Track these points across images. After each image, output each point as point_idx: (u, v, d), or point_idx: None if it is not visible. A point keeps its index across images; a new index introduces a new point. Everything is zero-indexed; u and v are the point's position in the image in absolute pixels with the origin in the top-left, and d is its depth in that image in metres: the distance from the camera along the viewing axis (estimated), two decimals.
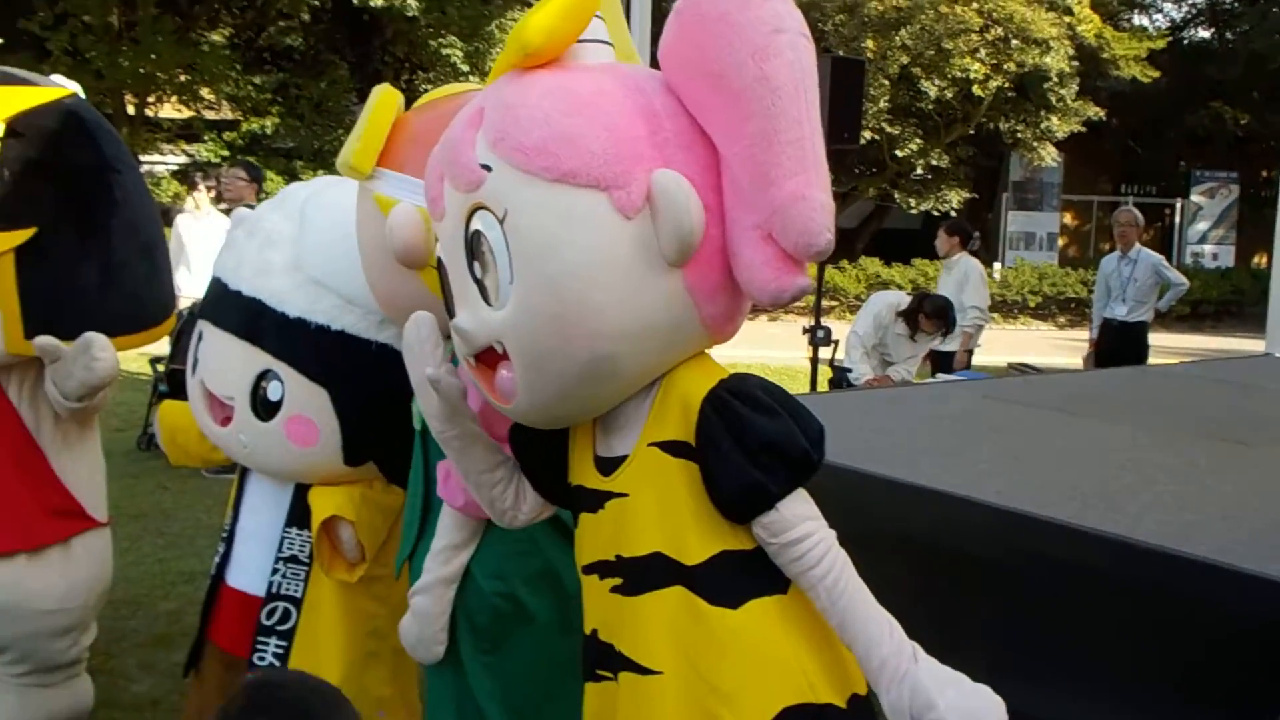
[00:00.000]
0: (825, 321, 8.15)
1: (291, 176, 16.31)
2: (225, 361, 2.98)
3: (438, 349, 2.10)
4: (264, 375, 2.92)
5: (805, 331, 8.14)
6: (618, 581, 1.99)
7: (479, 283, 1.91)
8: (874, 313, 7.89)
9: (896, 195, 22.91)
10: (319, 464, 2.97)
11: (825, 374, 8.42)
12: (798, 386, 8.92)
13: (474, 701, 2.53)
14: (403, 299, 2.59)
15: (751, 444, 1.85)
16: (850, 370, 7.74)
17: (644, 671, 1.94)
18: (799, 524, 1.87)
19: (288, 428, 2.91)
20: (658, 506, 1.93)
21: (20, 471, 3.36)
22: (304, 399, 2.89)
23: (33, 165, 3.19)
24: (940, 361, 8.48)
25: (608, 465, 2.02)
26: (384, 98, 2.52)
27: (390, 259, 2.45)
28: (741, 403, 1.88)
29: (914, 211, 23.04)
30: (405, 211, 2.40)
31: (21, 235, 3.16)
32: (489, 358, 1.95)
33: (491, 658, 2.51)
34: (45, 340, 3.16)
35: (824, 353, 8.29)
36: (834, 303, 19.00)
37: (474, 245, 1.89)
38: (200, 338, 3.08)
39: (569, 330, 1.83)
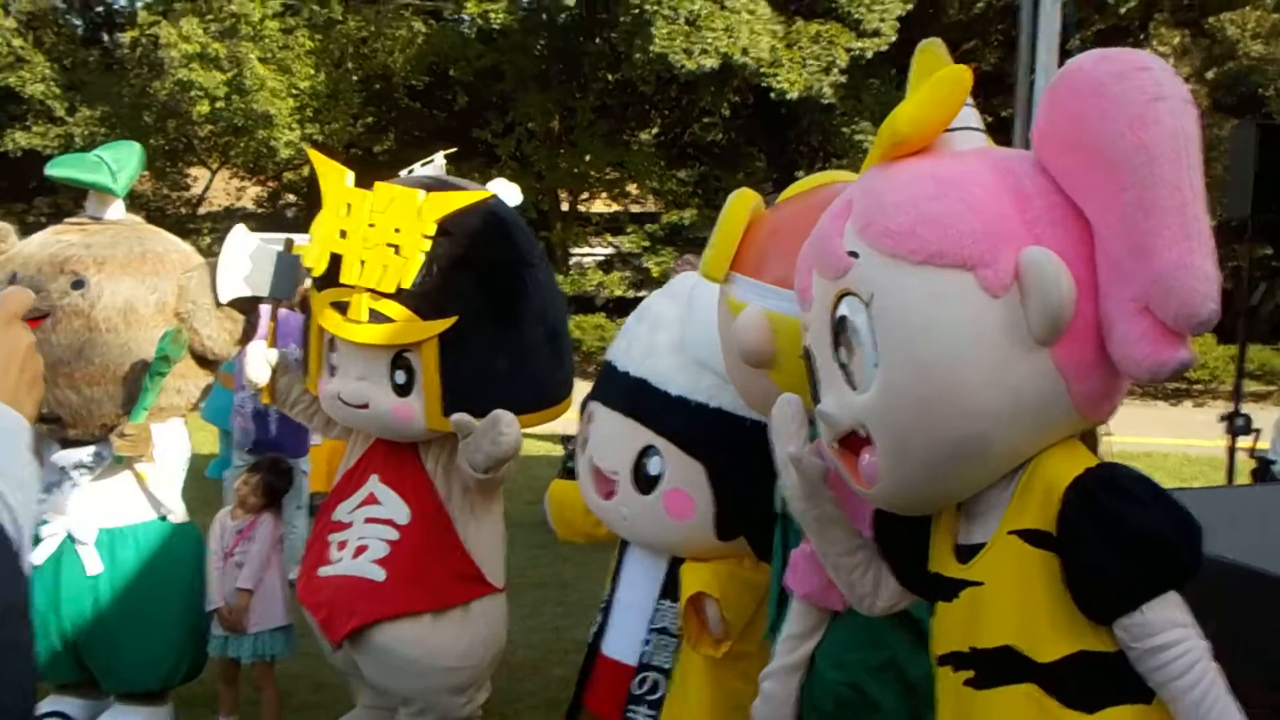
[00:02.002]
0: (1262, 408, 7.39)
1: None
2: (611, 438, 3.15)
3: (802, 429, 2.14)
4: (646, 451, 3.06)
5: (1222, 419, 7.43)
6: (970, 674, 1.92)
7: (844, 367, 1.93)
8: None
9: None
10: (693, 537, 3.06)
11: (1247, 465, 7.64)
12: (1219, 478, 8.12)
13: None
14: (752, 395, 2.71)
15: (1117, 538, 1.75)
16: (1275, 462, 6.98)
17: None
18: (1166, 630, 1.74)
19: (666, 500, 3.03)
20: (1013, 598, 1.86)
21: (433, 538, 3.65)
22: (682, 473, 3.01)
23: (458, 260, 3.51)
24: None
25: (966, 553, 1.96)
26: (735, 204, 2.64)
27: (738, 357, 2.54)
28: (1109, 493, 1.78)
29: None
30: (750, 316, 2.51)
31: (446, 323, 3.46)
32: (853, 442, 1.96)
33: None
34: (460, 416, 3.43)
35: (1249, 442, 7.53)
36: (1271, 388, 17.21)
37: (839, 330, 1.93)
38: (590, 417, 3.26)
39: (935, 411, 1.82)
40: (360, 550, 3.63)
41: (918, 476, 1.90)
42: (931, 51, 2.04)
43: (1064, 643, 1.80)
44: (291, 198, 24.47)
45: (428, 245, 3.44)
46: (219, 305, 3.96)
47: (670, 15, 16.78)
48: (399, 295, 3.44)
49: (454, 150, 4.50)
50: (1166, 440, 12.01)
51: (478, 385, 3.52)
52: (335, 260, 3.51)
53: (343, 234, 3.51)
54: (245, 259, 3.94)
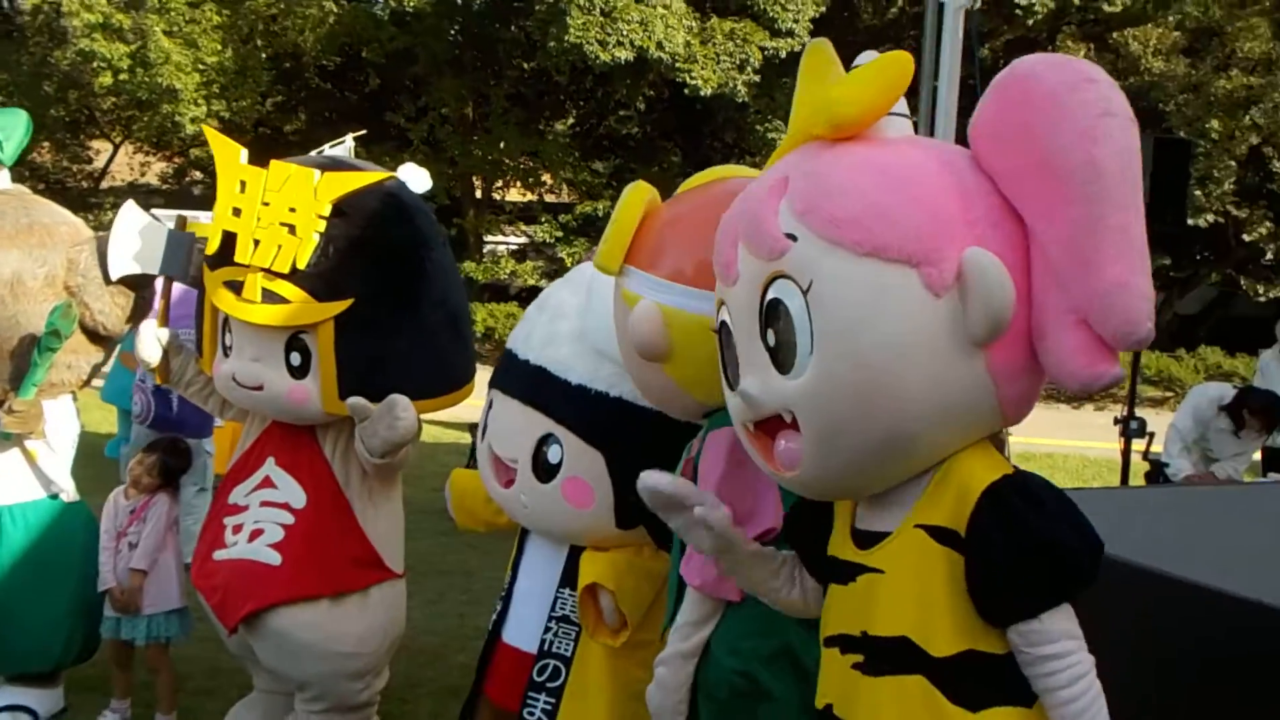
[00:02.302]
0: (1159, 413, 7.63)
1: None
2: (510, 426, 3.14)
3: (688, 490, 2.08)
4: (545, 439, 3.05)
5: (1116, 422, 7.64)
6: (859, 658, 1.94)
7: (772, 350, 1.90)
8: (1193, 406, 7.35)
9: (1243, 281, 21.26)
10: (593, 526, 3.06)
11: (1142, 468, 7.88)
12: (1115, 479, 8.36)
13: None
14: (648, 387, 2.72)
15: (1026, 546, 1.78)
16: (1168, 465, 7.22)
17: None
18: (1059, 640, 1.79)
19: (565, 489, 3.03)
20: (912, 590, 1.88)
21: (330, 522, 3.60)
22: (581, 462, 3.00)
23: (355, 242, 3.45)
24: (1274, 460, 7.76)
25: (866, 539, 1.98)
26: (630, 196, 2.64)
27: (633, 350, 2.57)
28: (1022, 501, 1.82)
29: (1262, 299, 21.24)
30: (644, 310, 2.52)
31: (341, 305, 3.41)
32: (770, 426, 1.95)
33: None
34: (356, 401, 3.39)
35: (1143, 445, 7.76)
36: (1169, 394, 17.77)
37: (770, 313, 1.89)
38: (490, 405, 3.26)
39: (870, 404, 1.81)
40: (255, 534, 3.57)
41: (841, 466, 1.89)
42: (821, 51, 2.01)
43: (957, 640, 1.83)
44: (198, 174, 23.93)
45: (323, 226, 3.39)
46: (109, 282, 3.89)
47: (585, 5, 16.76)
48: (294, 276, 3.39)
49: (364, 133, 4.43)
50: (1067, 441, 12.34)
51: (375, 369, 3.48)
52: (229, 238, 3.45)
53: (236, 212, 3.45)
54: (135, 236, 3.86)
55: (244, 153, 3.53)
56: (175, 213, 3.79)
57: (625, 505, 3.00)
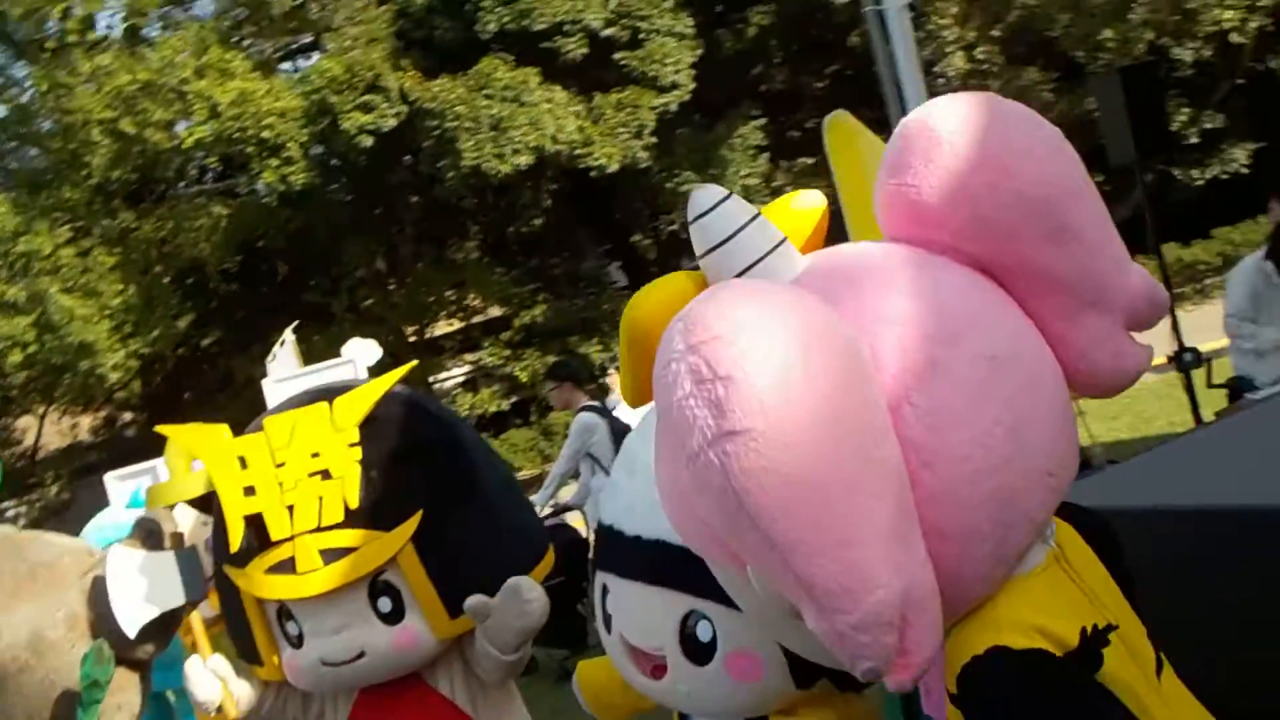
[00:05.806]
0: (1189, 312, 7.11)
1: (570, 354, 16.80)
2: (642, 612, 2.71)
3: None
4: (688, 617, 2.63)
5: (1169, 359, 7.12)
6: None
7: None
8: (1238, 283, 6.78)
9: (1176, 171, 21.29)
10: (770, 695, 2.64)
11: (1213, 401, 7.20)
12: (1184, 414, 7.63)
13: None
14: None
15: None
16: (1250, 377, 6.53)
17: None
18: None
19: (729, 666, 2.61)
20: None
21: None
22: (739, 632, 2.57)
23: (395, 454, 3.15)
24: None
25: None
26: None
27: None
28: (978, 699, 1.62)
29: (1199, 183, 21.25)
30: None
31: (413, 524, 3.07)
32: None
33: None
34: (474, 602, 3.05)
35: (1203, 373, 7.24)
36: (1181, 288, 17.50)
37: None
38: (605, 591, 2.84)
39: None
40: None
41: None
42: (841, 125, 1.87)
43: None
44: (128, 416, 23.35)
45: (359, 454, 3.06)
46: (131, 641, 3.33)
47: (471, 127, 16.67)
48: (349, 520, 3.03)
49: (297, 323, 4.15)
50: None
51: (473, 567, 3.14)
52: (253, 522, 3.09)
53: (249, 491, 3.08)
54: (138, 578, 3.32)
55: (226, 430, 3.20)
56: (147, 466, 3.42)
57: (800, 662, 2.56)
